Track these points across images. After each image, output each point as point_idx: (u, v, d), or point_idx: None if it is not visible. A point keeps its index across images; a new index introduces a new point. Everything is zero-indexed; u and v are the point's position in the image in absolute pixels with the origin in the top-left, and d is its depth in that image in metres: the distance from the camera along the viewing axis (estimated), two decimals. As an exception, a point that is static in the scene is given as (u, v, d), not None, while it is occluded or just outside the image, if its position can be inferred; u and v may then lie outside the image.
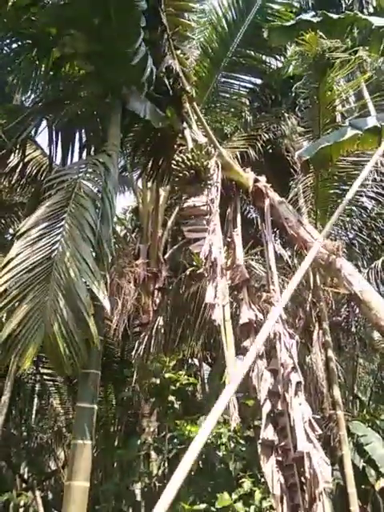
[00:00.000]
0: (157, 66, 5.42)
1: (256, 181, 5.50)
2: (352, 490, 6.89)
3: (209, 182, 5.30)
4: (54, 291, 3.59)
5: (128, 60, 4.77)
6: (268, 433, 4.41)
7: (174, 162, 5.25)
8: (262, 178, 5.52)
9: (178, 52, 5.81)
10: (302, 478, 4.09)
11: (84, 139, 5.92)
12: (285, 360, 4.46)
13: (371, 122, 4.77)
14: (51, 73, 5.92)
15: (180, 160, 5.19)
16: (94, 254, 3.87)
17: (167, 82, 5.75)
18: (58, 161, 6.67)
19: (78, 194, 4.13)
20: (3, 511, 11.83)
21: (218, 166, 5.51)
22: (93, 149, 5.82)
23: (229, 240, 5.52)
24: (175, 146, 5.77)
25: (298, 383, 4.39)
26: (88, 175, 4.44)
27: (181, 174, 5.16)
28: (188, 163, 5.10)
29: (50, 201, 4.14)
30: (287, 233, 5.02)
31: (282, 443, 4.36)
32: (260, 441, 4.41)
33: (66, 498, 3.66)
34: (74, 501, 3.55)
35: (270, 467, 4.27)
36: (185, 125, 5.82)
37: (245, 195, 5.79)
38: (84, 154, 5.85)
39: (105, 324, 4.39)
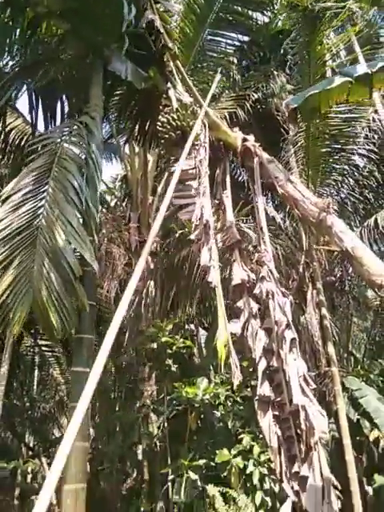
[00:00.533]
0: (137, 22, 5.18)
1: (244, 140, 5.35)
2: (347, 441, 7.14)
3: (196, 143, 5.17)
4: (40, 256, 3.54)
5: (105, 15, 4.54)
6: (264, 389, 4.49)
7: (159, 123, 5.10)
8: (251, 137, 5.37)
9: (160, 6, 5.55)
10: (298, 430, 4.21)
11: (66, 103, 5.72)
12: (278, 318, 4.48)
13: (361, 69, 4.56)
14: (28, 34, 5.67)
15: (165, 121, 5.04)
16: (80, 218, 3.80)
17: (149, 40, 5.52)
18: (42, 128, 6.49)
19: (61, 157, 4.03)
20: (11, 478, 12.25)
21: (204, 126, 5.35)
22: (76, 114, 5.63)
23: (218, 202, 5.43)
24: (160, 107, 5.59)
25: (293, 340, 4.43)
26: (72, 138, 4.31)
27: (167, 136, 5.03)
28: (173, 124, 4.96)
29: (32, 165, 4.03)
30: (277, 191, 4.93)
31: (278, 398, 4.45)
32: (257, 397, 4.49)
33: (66, 458, 3.73)
34: (75, 459, 3.63)
35: (267, 422, 4.37)
36: (169, 85, 5.62)
37: (233, 155, 5.66)
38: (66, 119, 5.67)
39: (96, 289, 4.36)
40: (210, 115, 5.56)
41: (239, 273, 4.97)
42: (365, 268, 4.48)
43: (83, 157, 4.17)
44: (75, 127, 4.40)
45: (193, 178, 5.20)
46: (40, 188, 3.87)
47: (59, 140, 4.27)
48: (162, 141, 5.21)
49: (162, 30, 5.27)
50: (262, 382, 4.52)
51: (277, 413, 4.47)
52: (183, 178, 5.19)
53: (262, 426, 4.45)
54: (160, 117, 5.04)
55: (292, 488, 4.02)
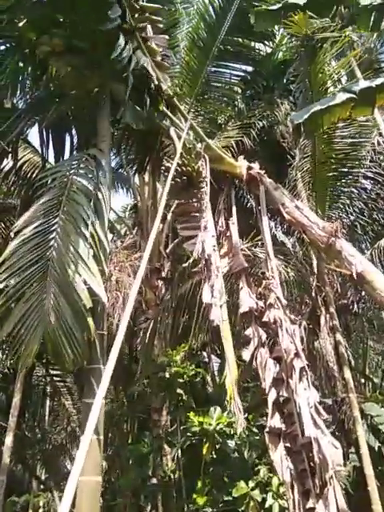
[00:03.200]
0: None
1: (249, 168, 5.43)
2: (369, 471, 6.88)
3: (202, 186, 5.21)
4: (51, 288, 3.58)
5: (107, 55, 4.71)
6: (275, 421, 4.39)
7: (163, 167, 5.15)
8: (255, 165, 5.45)
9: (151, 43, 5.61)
10: (312, 463, 4.07)
11: (75, 137, 5.89)
12: (287, 346, 4.41)
13: (364, 84, 4.63)
14: (38, 73, 5.89)
15: (170, 167, 5.05)
16: (90, 249, 3.85)
17: (147, 79, 5.60)
18: (52, 161, 6.66)
19: (70, 190, 4.12)
20: (21, 512, 11.97)
21: (206, 161, 5.42)
22: (85, 147, 5.78)
23: (221, 230, 5.45)
24: (164, 145, 5.71)
25: (302, 368, 4.36)
26: (80, 170, 4.42)
27: (172, 181, 4.99)
28: (179, 169, 4.94)
29: (43, 198, 4.13)
30: (284, 218, 4.96)
31: (290, 430, 4.34)
32: (267, 429, 4.39)
33: (78, 493, 3.66)
34: (87, 496, 3.55)
35: (278, 455, 4.26)
36: (168, 123, 5.69)
37: (240, 183, 5.73)
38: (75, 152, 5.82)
39: (106, 319, 4.37)
40: (213, 148, 5.63)
41: (247, 300, 4.94)
42: (377, 292, 4.46)
43: (92, 188, 4.26)
44: (84, 159, 4.51)
45: (196, 211, 5.25)
46: (50, 221, 3.95)
47: (68, 173, 4.38)
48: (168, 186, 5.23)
49: (152, 73, 5.34)
50: (272, 413, 4.42)
51: (289, 445, 4.35)
52: (187, 210, 5.25)
53: (273, 459, 4.33)
54: (164, 162, 5.12)
55: None
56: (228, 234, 5.33)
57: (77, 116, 5.76)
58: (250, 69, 9.25)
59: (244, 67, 9.13)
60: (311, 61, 7.39)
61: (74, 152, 5.75)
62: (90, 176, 4.39)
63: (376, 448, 7.53)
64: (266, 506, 5.88)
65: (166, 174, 5.16)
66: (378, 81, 5.16)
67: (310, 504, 3.86)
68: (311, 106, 5.97)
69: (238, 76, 8.97)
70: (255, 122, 8.78)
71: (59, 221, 3.92)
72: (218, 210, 5.41)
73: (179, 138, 5.25)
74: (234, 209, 5.45)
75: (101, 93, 5.32)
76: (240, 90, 9.03)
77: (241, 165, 5.54)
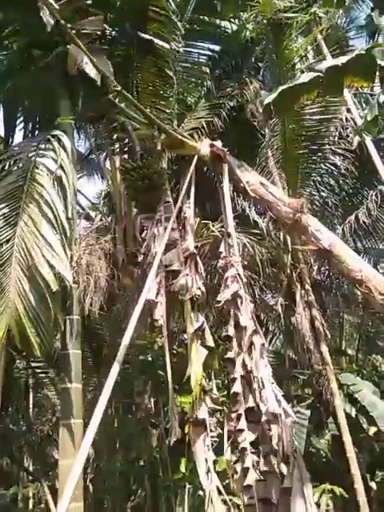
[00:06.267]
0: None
1: (212, 146, 5.27)
2: (347, 438, 7.14)
3: (164, 187, 5.07)
4: (16, 272, 3.53)
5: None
6: (201, 412, 4.30)
7: (123, 168, 4.98)
8: (218, 143, 5.30)
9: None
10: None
11: (37, 118, 5.71)
12: (246, 323, 4.31)
13: (330, 63, 4.61)
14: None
15: (130, 168, 4.82)
16: (55, 232, 3.79)
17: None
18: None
19: (33, 172, 4.03)
20: (12, 504, 12.00)
21: (164, 151, 5.31)
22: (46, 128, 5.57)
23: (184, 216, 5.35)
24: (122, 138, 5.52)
25: (262, 345, 4.32)
26: (43, 151, 4.31)
27: (134, 185, 4.83)
28: (139, 171, 4.75)
29: (5, 181, 4.02)
30: (249, 195, 4.90)
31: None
32: (191, 420, 4.33)
33: (60, 476, 3.69)
34: (66, 477, 3.58)
35: (200, 446, 4.25)
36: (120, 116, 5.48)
37: (204, 164, 5.58)
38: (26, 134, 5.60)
39: (79, 304, 4.34)
40: (172, 134, 5.44)
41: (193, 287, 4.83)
42: (344, 265, 4.50)
43: (55, 169, 4.16)
44: (46, 140, 4.41)
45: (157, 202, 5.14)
46: (13, 204, 3.86)
47: (31, 155, 4.28)
48: (128, 189, 5.07)
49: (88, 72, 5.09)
50: (198, 404, 4.33)
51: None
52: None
53: (194, 451, 4.32)
54: (123, 162, 4.95)
55: None
56: (185, 219, 5.20)
57: (34, 94, 5.52)
58: (217, 48, 9.17)
59: (211, 46, 9.06)
60: (277, 38, 7.38)
61: (35, 133, 5.58)
62: (53, 157, 4.29)
63: (353, 415, 7.79)
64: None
65: (125, 176, 4.95)
66: (344, 59, 5.17)
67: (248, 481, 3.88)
68: (280, 86, 5.96)
69: (205, 55, 8.89)
70: (225, 102, 8.73)
71: (22, 204, 3.84)
72: (182, 197, 5.27)
73: (134, 129, 5.10)
74: (192, 191, 5.26)
75: (57, 69, 5.13)
76: (208, 70, 8.95)
77: (203, 144, 5.38)
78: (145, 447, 7.60)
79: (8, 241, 3.73)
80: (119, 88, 5.23)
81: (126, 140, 5.59)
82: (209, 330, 4.81)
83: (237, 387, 4.11)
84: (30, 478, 13.18)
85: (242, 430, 4.00)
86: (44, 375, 11.69)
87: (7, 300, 3.51)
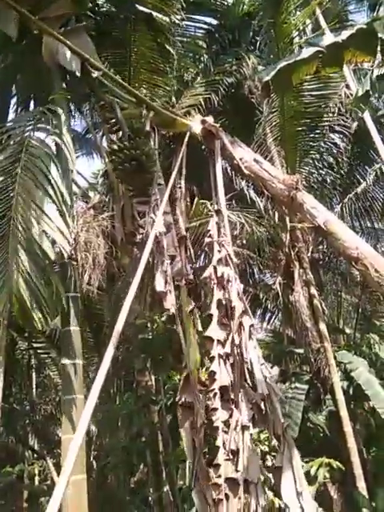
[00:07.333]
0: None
1: (204, 122, 5.14)
2: (344, 413, 7.28)
3: (153, 170, 4.91)
4: (14, 246, 3.53)
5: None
6: (187, 395, 4.24)
7: (109, 149, 4.86)
8: (210, 119, 5.17)
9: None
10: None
11: (31, 95, 5.62)
12: (236, 304, 4.27)
13: (330, 38, 4.48)
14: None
15: (117, 148, 4.69)
16: (52, 204, 3.76)
17: None
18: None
19: (29, 146, 3.99)
20: (18, 481, 12.30)
21: (155, 130, 5.20)
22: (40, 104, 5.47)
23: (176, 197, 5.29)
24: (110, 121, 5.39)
25: (251, 326, 4.29)
26: (39, 125, 4.25)
27: (121, 167, 4.72)
28: (127, 152, 4.62)
29: (0, 156, 3.99)
30: (243, 173, 4.82)
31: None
32: (179, 403, 4.26)
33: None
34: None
35: (187, 429, 4.19)
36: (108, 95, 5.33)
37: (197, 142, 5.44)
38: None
39: (78, 281, 4.35)
40: (163, 112, 5.30)
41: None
42: (340, 242, 4.47)
43: (52, 141, 4.12)
44: (42, 114, 4.35)
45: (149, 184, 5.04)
46: (10, 178, 3.84)
47: (26, 128, 4.23)
48: (116, 171, 4.92)
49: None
50: (183, 386, 4.27)
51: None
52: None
53: (182, 432, 4.31)
54: (110, 143, 4.83)
55: None
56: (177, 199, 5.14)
57: (27, 69, 5.40)
58: (214, 22, 8.98)
59: (208, 20, 8.87)
60: (275, 11, 7.21)
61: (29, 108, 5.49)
62: (50, 129, 4.24)
63: (350, 392, 7.93)
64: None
65: (112, 157, 4.82)
66: (344, 35, 5.04)
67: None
68: (278, 62, 5.83)
69: (202, 29, 8.72)
70: (223, 79, 8.59)
71: (19, 178, 3.81)
72: (174, 178, 5.17)
73: (122, 109, 4.97)
74: (183, 171, 5.16)
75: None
76: (205, 45, 8.77)
77: (195, 121, 5.23)
78: (146, 423, 7.74)
79: (5, 215, 3.72)
80: (100, 73, 5.11)
81: (113, 120, 5.44)
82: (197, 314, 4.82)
83: (214, 366, 4.10)
84: (35, 455, 13.47)
85: (215, 409, 4.00)
86: (46, 356, 11.82)
87: (6, 274, 3.52)
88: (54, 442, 12.94)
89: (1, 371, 7.61)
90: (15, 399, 12.43)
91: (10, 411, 11.44)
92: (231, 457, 3.92)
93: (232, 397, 4.08)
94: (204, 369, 5.88)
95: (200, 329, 4.72)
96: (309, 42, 5.29)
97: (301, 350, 8.35)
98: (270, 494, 5.99)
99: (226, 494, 3.80)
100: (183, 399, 4.16)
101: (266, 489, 6.05)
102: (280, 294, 8.22)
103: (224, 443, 3.91)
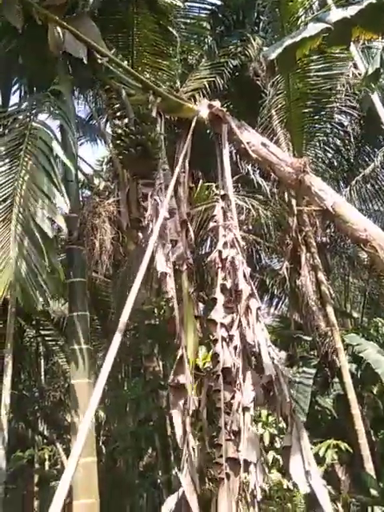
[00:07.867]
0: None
1: (211, 106, 5.07)
2: (352, 395, 7.28)
3: (158, 156, 4.85)
4: (16, 229, 3.51)
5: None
6: (180, 376, 4.31)
7: (114, 134, 4.78)
8: (216, 103, 5.09)
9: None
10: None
11: (33, 79, 5.55)
12: (243, 287, 4.27)
13: (338, 14, 4.30)
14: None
15: (122, 133, 4.61)
16: (54, 188, 3.73)
17: None
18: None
19: (33, 129, 3.95)
20: (29, 466, 12.52)
21: (161, 116, 5.12)
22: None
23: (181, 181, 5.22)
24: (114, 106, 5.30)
25: (258, 309, 4.30)
26: (42, 108, 4.21)
27: (126, 152, 4.62)
28: (133, 137, 4.54)
29: (4, 138, 3.95)
30: (251, 157, 4.75)
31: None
32: (170, 383, 4.36)
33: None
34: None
35: (177, 411, 4.26)
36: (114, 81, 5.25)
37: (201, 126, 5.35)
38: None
39: (85, 267, 4.34)
40: (169, 97, 5.21)
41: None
42: (348, 224, 4.42)
43: (56, 124, 4.08)
44: (45, 97, 4.30)
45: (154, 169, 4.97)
46: (13, 161, 3.81)
47: (30, 113, 4.18)
48: (120, 156, 4.83)
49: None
50: (177, 367, 4.35)
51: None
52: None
53: (172, 414, 4.33)
54: (115, 128, 4.76)
55: None
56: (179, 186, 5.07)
57: (31, 55, 5.32)
58: (218, 2, 8.81)
59: (212, 0, 8.71)
60: (280, -12, 7.03)
61: (33, 93, 5.44)
62: (53, 112, 4.19)
63: (358, 375, 7.93)
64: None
65: (117, 142, 4.74)
66: (353, 10, 4.86)
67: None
68: (283, 39, 5.66)
69: (206, 10, 8.56)
70: (227, 61, 8.44)
71: (22, 161, 3.77)
72: (180, 163, 5.09)
73: (129, 95, 4.88)
74: (188, 156, 5.09)
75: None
76: (209, 27, 8.61)
77: (201, 105, 5.15)
78: (154, 408, 7.79)
79: (8, 198, 3.69)
80: (106, 59, 5.03)
81: (118, 105, 5.37)
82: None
83: (218, 348, 4.12)
84: (45, 441, 13.68)
85: (218, 390, 4.05)
86: (54, 343, 11.94)
87: (8, 257, 3.50)
88: (64, 427, 13.15)
89: (10, 358, 7.71)
90: (24, 386, 12.60)
91: (19, 398, 11.59)
92: (233, 437, 3.97)
93: (235, 379, 4.11)
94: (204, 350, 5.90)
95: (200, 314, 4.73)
96: (316, 17, 5.12)
97: (309, 338, 8.34)
98: (279, 475, 6.04)
99: (226, 474, 3.85)
100: (176, 381, 4.20)
101: (275, 470, 6.15)
102: (287, 278, 8.18)
103: (226, 424, 3.94)
